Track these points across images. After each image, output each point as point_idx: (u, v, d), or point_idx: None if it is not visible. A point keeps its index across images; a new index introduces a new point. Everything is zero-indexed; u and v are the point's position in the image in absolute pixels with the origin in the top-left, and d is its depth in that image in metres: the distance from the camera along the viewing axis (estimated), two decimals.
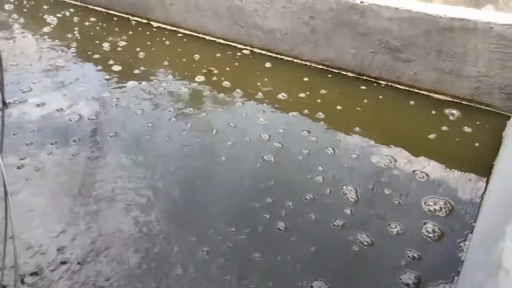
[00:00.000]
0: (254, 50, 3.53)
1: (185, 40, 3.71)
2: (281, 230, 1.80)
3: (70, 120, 2.49)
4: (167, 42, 3.63)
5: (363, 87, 2.95)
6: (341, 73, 3.17)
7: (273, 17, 3.31)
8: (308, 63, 3.32)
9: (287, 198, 1.97)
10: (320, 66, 3.27)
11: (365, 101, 2.79)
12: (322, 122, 2.56)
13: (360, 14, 2.90)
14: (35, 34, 3.71)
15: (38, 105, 2.62)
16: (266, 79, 3.05)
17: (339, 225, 1.83)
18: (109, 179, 2.03)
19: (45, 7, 4.42)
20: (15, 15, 4.15)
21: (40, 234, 1.73)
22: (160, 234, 1.75)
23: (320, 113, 2.64)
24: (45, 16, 4.14)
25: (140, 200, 1.92)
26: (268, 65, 3.26)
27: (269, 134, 2.42)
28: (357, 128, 2.50)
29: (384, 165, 2.19)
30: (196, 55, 3.37)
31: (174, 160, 2.21)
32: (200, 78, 3.01)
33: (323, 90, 2.91)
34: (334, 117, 2.62)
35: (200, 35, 3.81)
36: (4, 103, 1.01)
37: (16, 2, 4.49)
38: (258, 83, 2.99)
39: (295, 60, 3.36)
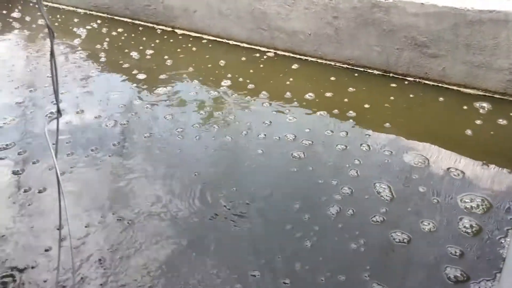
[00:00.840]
0: (278, 52, 3.56)
1: (210, 46, 3.78)
2: (323, 225, 1.81)
3: (106, 126, 2.58)
4: (193, 48, 3.71)
5: (390, 85, 2.93)
6: (366, 71, 3.16)
7: (295, 19, 3.33)
8: (332, 63, 3.32)
9: (321, 194, 1.97)
10: (345, 65, 3.26)
11: (394, 98, 2.77)
12: (351, 121, 2.56)
13: (385, 12, 2.89)
14: (67, 46, 3.86)
15: (77, 112, 2.73)
16: (292, 80, 3.07)
17: (378, 221, 1.82)
18: (145, 184, 2.10)
19: (75, 20, 4.60)
20: (47, 30, 4.33)
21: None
22: (187, 232, 1.79)
23: (349, 112, 2.64)
24: (75, 29, 4.30)
25: (172, 201, 1.97)
26: (293, 66, 3.28)
27: (298, 133, 2.44)
28: (388, 125, 2.49)
29: (418, 162, 2.17)
30: (222, 60, 3.43)
31: (205, 161, 2.25)
32: (226, 82, 3.06)
33: (350, 89, 2.91)
34: (363, 115, 2.61)
35: (224, 40, 3.87)
36: (58, 110, 1.07)
37: (54, 18, 4.69)
38: (284, 84, 3.01)
39: (319, 61, 3.37)
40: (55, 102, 1.12)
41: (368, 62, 3.15)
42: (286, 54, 3.51)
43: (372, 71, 3.15)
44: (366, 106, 2.69)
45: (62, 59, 3.59)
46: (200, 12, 3.89)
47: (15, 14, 4.89)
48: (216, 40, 3.90)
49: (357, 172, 2.11)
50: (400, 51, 2.97)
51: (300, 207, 1.92)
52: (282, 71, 3.22)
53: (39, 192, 2.04)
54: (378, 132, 2.44)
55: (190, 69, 3.32)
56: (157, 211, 1.91)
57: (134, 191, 2.04)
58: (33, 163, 2.24)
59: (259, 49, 3.64)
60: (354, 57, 3.21)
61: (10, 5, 5.33)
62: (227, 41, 3.86)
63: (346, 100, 2.78)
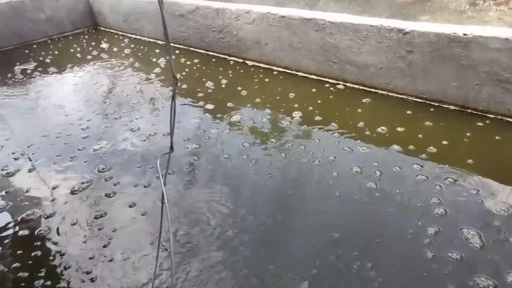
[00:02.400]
0: (348, 84, 3.58)
1: (280, 77, 3.90)
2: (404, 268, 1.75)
3: (184, 149, 2.75)
4: (266, 80, 3.85)
5: (469, 121, 2.81)
6: (442, 106, 3.07)
7: (367, 53, 3.36)
8: (404, 97, 3.27)
9: (396, 238, 1.92)
10: (419, 100, 3.20)
11: (474, 135, 2.65)
12: (428, 157, 2.48)
13: (464, 47, 2.82)
14: (147, 75, 4.20)
15: (143, 140, 2.93)
16: (362, 113, 3.07)
17: (467, 270, 1.73)
18: (208, 207, 2.18)
19: (156, 50, 5.01)
20: (131, 59, 4.76)
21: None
22: (242, 257, 1.82)
23: (425, 148, 2.56)
24: (154, 59, 4.68)
25: (234, 231, 2.02)
26: (363, 99, 3.27)
27: (368, 166, 2.41)
28: (469, 165, 2.37)
29: (507, 207, 2.03)
30: (292, 91, 3.52)
31: (274, 190, 2.30)
32: (297, 112, 3.13)
33: (426, 123, 2.83)
34: (441, 152, 2.52)
35: (293, 72, 3.98)
36: (171, 147, 1.17)
37: (135, 49, 5.16)
38: (355, 117, 3.01)
39: (391, 94, 3.34)
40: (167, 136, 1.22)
41: (444, 97, 3.07)
42: (356, 86, 3.52)
43: (448, 106, 3.05)
44: (445, 142, 2.59)
45: (144, 86, 3.91)
46: (272, 45, 4.06)
47: (104, 45, 5.45)
48: (285, 71, 4.02)
49: (440, 213, 2.03)
50: (480, 87, 2.85)
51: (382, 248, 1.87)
52: (352, 103, 3.23)
53: (142, 215, 2.20)
54: (459, 171, 2.34)
55: (262, 99, 3.44)
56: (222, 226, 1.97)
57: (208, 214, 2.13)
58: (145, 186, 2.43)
59: (328, 81, 3.69)
60: (429, 92, 3.14)
61: (100, 36, 5.95)
62: (296, 72, 3.96)
63: (420, 135, 2.71)
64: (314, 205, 2.17)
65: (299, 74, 3.92)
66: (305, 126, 2.95)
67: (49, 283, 1.79)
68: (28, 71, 4.56)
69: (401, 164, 2.43)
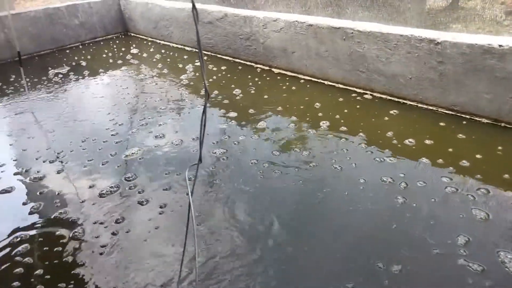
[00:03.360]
0: (375, 94, 3.54)
1: (306, 85, 3.90)
2: None
3: (210, 156, 2.78)
4: (293, 88, 3.85)
5: (503, 135, 2.72)
6: (473, 119, 2.98)
7: (396, 63, 3.31)
8: (434, 108, 3.20)
9: (426, 249, 1.87)
10: (449, 112, 3.12)
11: (508, 149, 2.56)
12: (459, 171, 2.41)
13: (498, 58, 2.74)
14: (175, 80, 4.28)
15: (173, 143, 2.98)
16: (389, 124, 3.02)
17: None
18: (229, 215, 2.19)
19: (184, 57, 5.10)
20: (160, 65, 4.86)
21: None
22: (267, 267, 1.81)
23: (457, 162, 2.50)
24: (180, 65, 4.77)
25: (254, 237, 2.02)
26: (391, 109, 3.22)
27: (395, 177, 2.37)
28: (504, 180, 2.30)
29: None
30: (318, 99, 3.51)
31: (299, 199, 2.29)
32: (323, 121, 3.11)
33: (459, 135, 2.76)
34: (472, 167, 2.44)
35: (319, 80, 3.97)
36: (200, 159, 1.19)
37: (164, 55, 5.27)
38: (382, 127, 2.97)
39: (419, 105, 3.27)
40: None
41: (475, 109, 2.98)
42: (384, 96, 3.48)
43: (479, 119, 2.96)
44: (478, 156, 2.52)
45: (172, 93, 3.99)
46: (298, 53, 4.06)
47: (134, 50, 5.59)
48: (311, 80, 4.01)
49: (473, 224, 1.97)
50: None
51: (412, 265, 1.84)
52: (379, 114, 3.18)
53: (166, 218, 2.24)
54: (494, 187, 2.26)
55: (288, 107, 3.44)
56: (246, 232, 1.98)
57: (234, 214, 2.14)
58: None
59: (355, 90, 3.66)
60: (460, 104, 3.06)
61: (130, 42, 6.11)
62: (322, 81, 3.94)
63: (450, 149, 2.64)
64: (339, 215, 2.14)
65: (326, 82, 3.90)
66: (331, 135, 2.93)
67: (76, 275, 1.84)
68: (61, 75, 4.73)
69: (430, 176, 2.38)
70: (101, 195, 2.43)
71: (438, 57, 3.04)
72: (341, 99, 3.50)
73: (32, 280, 1.87)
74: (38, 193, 2.50)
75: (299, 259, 1.89)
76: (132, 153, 2.86)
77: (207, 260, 1.90)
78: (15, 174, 2.74)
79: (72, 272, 1.90)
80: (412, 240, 1.94)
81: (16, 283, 1.85)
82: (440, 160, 2.52)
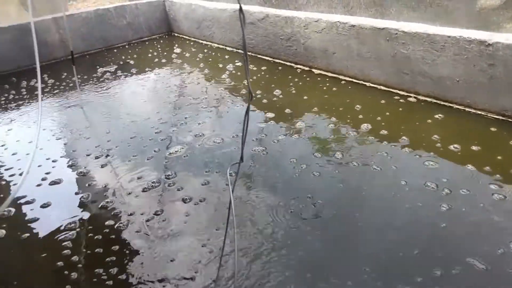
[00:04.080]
0: (419, 97, 3.43)
1: (347, 86, 3.85)
2: None
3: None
4: (333, 89, 3.82)
5: None
6: None
7: (443, 65, 3.19)
8: (483, 113, 3.06)
9: (473, 257, 1.80)
10: (499, 117, 2.97)
11: None
12: (507, 179, 2.30)
13: None
14: (216, 80, 4.37)
15: (216, 142, 3.04)
16: (434, 128, 2.92)
17: None
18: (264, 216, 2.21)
19: (226, 57, 5.20)
20: (202, 64, 4.98)
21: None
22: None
23: (505, 170, 2.37)
24: (221, 65, 4.85)
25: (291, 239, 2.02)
26: (436, 113, 3.11)
27: (438, 183, 2.29)
28: None
29: None
30: (359, 101, 3.45)
31: (338, 202, 2.27)
32: (364, 124, 3.06)
33: (511, 142, 2.63)
34: None
35: (361, 82, 3.90)
36: (241, 158, 1.22)
37: (206, 55, 5.39)
38: (425, 132, 2.88)
39: (467, 109, 3.14)
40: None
41: None
42: (429, 99, 3.36)
43: None
44: None
45: (213, 91, 4.07)
46: (339, 54, 4.02)
47: (177, 50, 5.76)
48: (352, 81, 3.95)
49: None
50: None
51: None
52: (423, 117, 3.08)
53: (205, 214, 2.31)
54: None
55: (328, 108, 3.42)
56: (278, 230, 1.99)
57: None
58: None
59: (398, 93, 3.56)
60: None
61: (173, 42, 6.29)
62: (364, 82, 3.88)
63: (500, 157, 2.51)
64: (378, 221, 2.10)
65: (367, 84, 3.83)
66: (372, 138, 2.88)
67: (119, 259, 1.93)
68: (109, 73, 4.96)
69: (475, 184, 2.28)
70: (144, 190, 2.54)
71: (489, 59, 2.90)
72: (383, 101, 3.42)
73: (76, 262, 1.99)
74: (86, 185, 2.65)
75: (332, 258, 1.88)
76: (176, 151, 2.95)
77: (244, 254, 1.93)
78: (64, 167, 2.92)
79: (112, 258, 2.00)
80: (452, 248, 1.88)
81: (59, 263, 1.98)
82: (488, 168, 2.41)
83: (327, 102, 3.55)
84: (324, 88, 3.86)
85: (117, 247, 2.08)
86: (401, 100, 3.42)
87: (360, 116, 3.20)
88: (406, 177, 2.41)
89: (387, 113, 3.21)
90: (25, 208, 2.46)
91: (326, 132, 3.04)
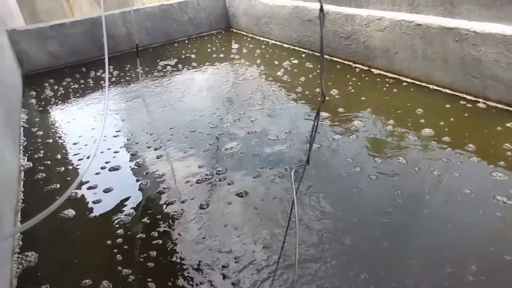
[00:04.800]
0: (489, 103, 3.19)
1: (411, 89, 3.67)
2: None
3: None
4: (394, 90, 3.67)
5: None
6: None
7: None
8: None
9: None
10: None
11: None
12: None
13: None
14: (271, 77, 4.38)
15: (270, 139, 3.05)
16: (505, 137, 2.70)
17: None
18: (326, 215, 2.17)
19: (283, 53, 5.19)
20: (258, 60, 5.01)
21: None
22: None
23: None
24: (276, 62, 4.84)
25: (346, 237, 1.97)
26: (508, 121, 2.88)
27: (508, 196, 2.12)
28: None
29: None
30: (421, 105, 3.28)
31: (393, 209, 2.18)
32: (426, 129, 2.90)
33: None
34: None
35: (423, 84, 3.71)
36: (308, 160, 1.22)
37: (264, 51, 5.42)
38: (495, 140, 2.67)
39: None
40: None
41: None
42: (500, 106, 3.11)
43: None
44: None
45: (266, 88, 4.08)
46: (402, 54, 3.85)
47: (235, 46, 5.84)
48: (414, 82, 3.77)
49: None
50: None
51: None
52: (493, 124, 2.86)
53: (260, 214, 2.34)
54: None
55: (387, 110, 3.29)
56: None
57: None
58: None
59: (465, 97, 3.34)
60: None
61: (232, 37, 6.40)
62: (426, 85, 3.68)
63: None
64: (435, 233, 2.00)
65: (430, 87, 3.64)
66: (434, 143, 2.73)
67: (165, 244, 2.01)
68: (169, 66, 5.15)
69: None
70: (198, 181, 2.61)
71: None
72: (447, 106, 3.23)
73: (131, 241, 2.10)
74: (144, 173, 2.78)
75: (384, 259, 1.81)
76: (231, 147, 3.00)
77: (302, 251, 1.93)
78: (124, 155, 3.08)
79: (158, 242, 2.08)
80: None
81: (119, 240, 2.10)
82: None
83: (386, 103, 3.42)
84: (384, 89, 3.72)
85: (168, 231, 2.17)
86: (468, 105, 3.20)
87: (422, 120, 3.04)
88: (470, 187, 2.26)
89: (452, 119, 3.02)
90: (89, 192, 2.63)
91: (383, 134, 2.93)
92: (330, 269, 1.83)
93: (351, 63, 4.48)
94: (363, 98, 3.56)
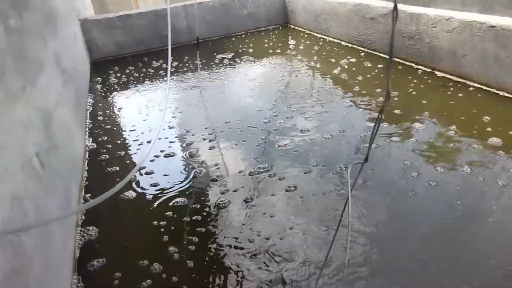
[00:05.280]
0: None
1: (479, 95, 3.44)
2: None
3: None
4: (459, 95, 3.46)
5: None
6: None
7: None
8: None
9: None
10: None
11: None
12: None
13: None
14: (326, 74, 4.31)
15: (325, 137, 3.01)
16: None
17: None
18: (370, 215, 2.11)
19: (340, 51, 5.09)
20: (315, 57, 4.96)
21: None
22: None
23: None
24: (333, 60, 4.76)
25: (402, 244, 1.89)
26: None
27: None
28: None
29: None
30: (489, 113, 3.06)
31: (452, 222, 2.07)
32: (494, 139, 2.71)
33: None
34: None
35: (493, 90, 3.46)
36: (366, 158, 1.19)
37: (321, 48, 5.36)
38: None
39: None
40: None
41: None
42: None
43: None
44: None
45: (321, 85, 4.03)
46: (471, 57, 3.62)
47: (291, 41, 5.82)
48: (482, 88, 3.53)
49: None
50: None
51: None
52: None
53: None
54: None
55: (450, 115, 3.12)
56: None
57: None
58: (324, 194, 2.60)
59: None
60: None
61: (289, 33, 6.38)
62: (496, 91, 3.43)
63: None
64: (497, 255, 1.87)
65: (501, 93, 3.39)
66: (502, 153, 2.54)
67: (212, 231, 2.07)
68: (226, 60, 5.25)
69: None
70: (250, 174, 2.65)
71: None
72: None
73: (183, 224, 2.18)
74: (200, 162, 2.87)
75: (433, 279, 1.73)
76: (285, 144, 2.99)
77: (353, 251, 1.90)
78: (180, 144, 3.19)
79: (201, 230, 2.14)
80: None
81: (171, 223, 2.19)
82: None
83: (449, 108, 3.24)
84: (448, 93, 3.53)
85: (217, 218, 2.22)
86: None
87: (489, 129, 2.85)
88: None
89: None
90: (148, 176, 2.77)
91: (445, 140, 2.78)
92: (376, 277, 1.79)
93: (413, 64, 4.29)
94: (424, 101, 3.40)
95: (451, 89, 3.59)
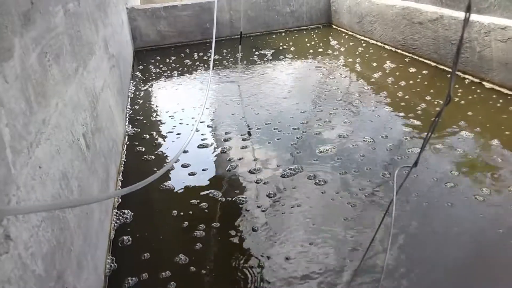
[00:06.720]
0: None
1: None
2: None
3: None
4: (510, 108, 3.29)
5: None
6: None
7: None
8: None
9: None
10: None
11: None
12: None
13: None
14: (366, 78, 4.22)
15: (365, 141, 2.95)
16: None
17: None
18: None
19: (383, 55, 4.96)
20: (357, 60, 4.86)
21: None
22: None
23: None
24: (375, 64, 4.64)
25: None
26: None
27: None
28: None
29: None
30: None
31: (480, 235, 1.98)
32: None
33: None
34: None
35: None
36: (416, 162, 1.15)
37: (364, 51, 5.24)
38: None
39: None
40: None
41: None
42: None
43: None
44: None
45: (360, 89, 3.95)
46: None
47: (333, 42, 5.74)
48: None
49: None
50: None
51: None
52: None
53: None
54: None
55: (494, 129, 2.97)
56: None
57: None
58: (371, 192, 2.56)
59: None
60: None
61: (331, 33, 6.29)
62: None
63: None
64: None
65: None
66: None
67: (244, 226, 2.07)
68: (265, 56, 5.24)
69: None
70: (283, 176, 2.62)
71: None
72: None
73: (213, 215, 2.20)
74: (235, 157, 2.88)
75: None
76: (327, 149, 2.93)
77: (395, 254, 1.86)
78: (216, 138, 3.22)
79: (232, 227, 2.14)
80: None
81: (203, 215, 2.21)
82: None
83: (495, 121, 3.08)
84: (498, 105, 3.36)
85: (252, 213, 2.23)
86: None
87: None
88: None
89: None
90: (184, 167, 2.81)
91: (484, 154, 2.66)
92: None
93: (460, 73, 4.12)
94: (469, 113, 3.26)
95: (501, 101, 3.42)
